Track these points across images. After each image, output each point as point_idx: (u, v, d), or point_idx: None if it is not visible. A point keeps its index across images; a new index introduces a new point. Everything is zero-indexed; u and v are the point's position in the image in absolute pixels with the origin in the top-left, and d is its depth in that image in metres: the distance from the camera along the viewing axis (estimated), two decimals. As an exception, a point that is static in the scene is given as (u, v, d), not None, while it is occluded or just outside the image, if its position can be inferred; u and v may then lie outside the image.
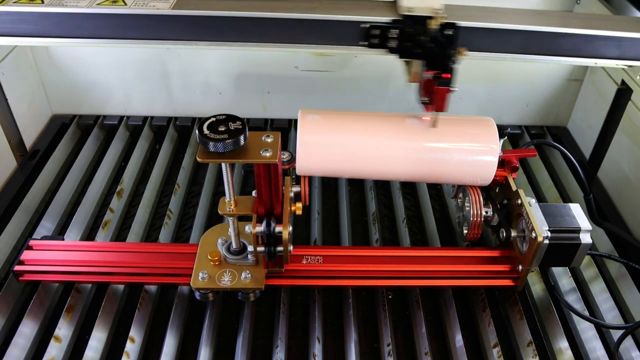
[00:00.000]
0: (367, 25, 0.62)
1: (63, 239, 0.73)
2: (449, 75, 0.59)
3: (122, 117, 1.04)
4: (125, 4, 0.61)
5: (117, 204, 0.84)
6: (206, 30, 0.62)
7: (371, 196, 0.87)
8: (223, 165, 0.58)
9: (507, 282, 0.69)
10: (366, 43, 0.63)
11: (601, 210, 0.87)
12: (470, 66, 1.00)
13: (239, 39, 0.63)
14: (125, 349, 0.62)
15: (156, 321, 0.69)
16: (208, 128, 0.54)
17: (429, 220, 0.83)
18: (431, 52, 0.61)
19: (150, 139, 1.02)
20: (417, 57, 0.63)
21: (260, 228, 0.61)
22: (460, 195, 0.77)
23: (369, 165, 0.67)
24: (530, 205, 0.65)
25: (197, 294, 0.66)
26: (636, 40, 0.64)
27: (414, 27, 0.61)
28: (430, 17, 0.60)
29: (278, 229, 0.61)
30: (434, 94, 0.61)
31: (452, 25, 0.61)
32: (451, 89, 0.60)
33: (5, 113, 0.90)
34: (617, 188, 0.89)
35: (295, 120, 0.68)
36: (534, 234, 0.62)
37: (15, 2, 0.61)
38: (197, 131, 0.54)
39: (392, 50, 0.63)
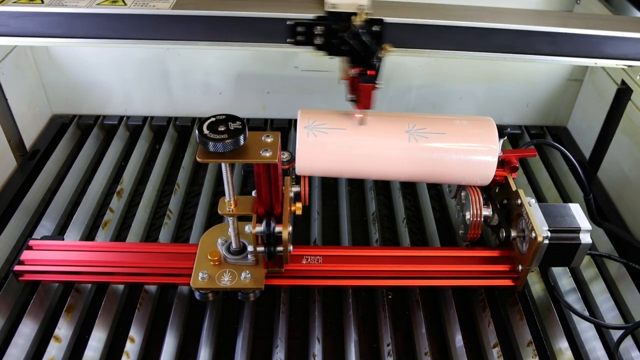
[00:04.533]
0: (293, 23, 0.61)
1: (63, 239, 0.73)
2: (373, 72, 0.59)
3: (122, 117, 1.04)
4: (125, 4, 0.61)
5: (117, 204, 0.84)
6: (206, 30, 0.62)
7: (371, 196, 0.87)
8: (223, 165, 0.58)
9: (507, 282, 0.69)
10: (293, 40, 0.62)
11: (601, 210, 0.87)
12: (470, 66, 1.01)
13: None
14: (125, 349, 0.62)
15: (156, 321, 0.69)
16: (208, 128, 0.54)
17: (429, 220, 0.83)
18: (355, 48, 0.60)
19: (150, 139, 1.02)
20: (343, 54, 0.62)
21: (260, 228, 0.61)
22: (460, 195, 0.77)
23: (368, 165, 0.67)
24: (530, 205, 0.65)
25: (197, 294, 0.66)
26: (636, 40, 0.64)
27: (338, 24, 0.60)
28: (354, 14, 0.59)
29: (278, 229, 0.61)
30: (359, 91, 0.60)
31: (379, 22, 0.60)
32: (376, 86, 0.59)
33: (5, 113, 0.90)
34: (617, 188, 0.89)
35: (295, 120, 0.68)
36: (533, 234, 0.62)
37: (15, 2, 0.61)
38: (197, 131, 0.54)
39: (319, 48, 0.62)
